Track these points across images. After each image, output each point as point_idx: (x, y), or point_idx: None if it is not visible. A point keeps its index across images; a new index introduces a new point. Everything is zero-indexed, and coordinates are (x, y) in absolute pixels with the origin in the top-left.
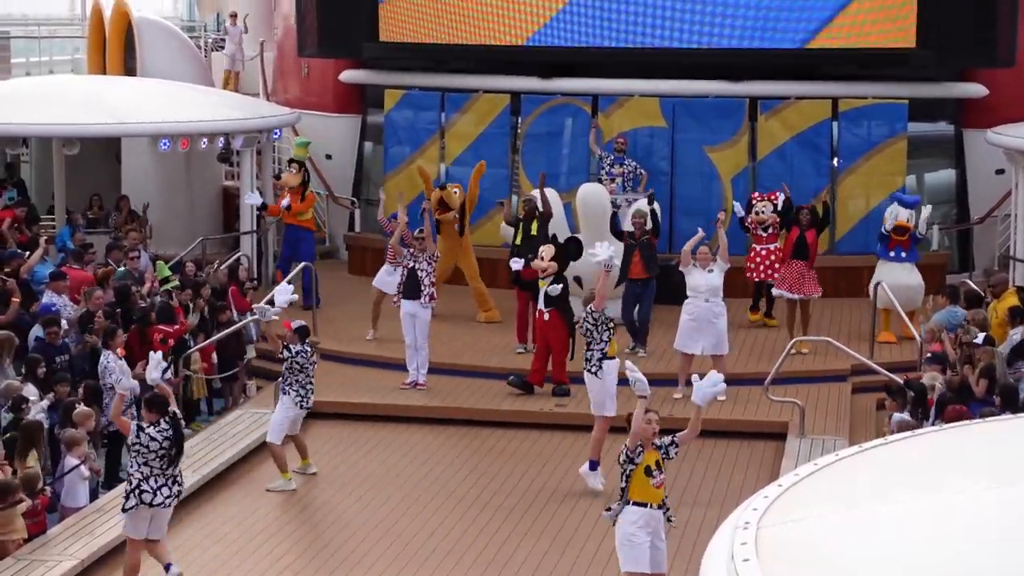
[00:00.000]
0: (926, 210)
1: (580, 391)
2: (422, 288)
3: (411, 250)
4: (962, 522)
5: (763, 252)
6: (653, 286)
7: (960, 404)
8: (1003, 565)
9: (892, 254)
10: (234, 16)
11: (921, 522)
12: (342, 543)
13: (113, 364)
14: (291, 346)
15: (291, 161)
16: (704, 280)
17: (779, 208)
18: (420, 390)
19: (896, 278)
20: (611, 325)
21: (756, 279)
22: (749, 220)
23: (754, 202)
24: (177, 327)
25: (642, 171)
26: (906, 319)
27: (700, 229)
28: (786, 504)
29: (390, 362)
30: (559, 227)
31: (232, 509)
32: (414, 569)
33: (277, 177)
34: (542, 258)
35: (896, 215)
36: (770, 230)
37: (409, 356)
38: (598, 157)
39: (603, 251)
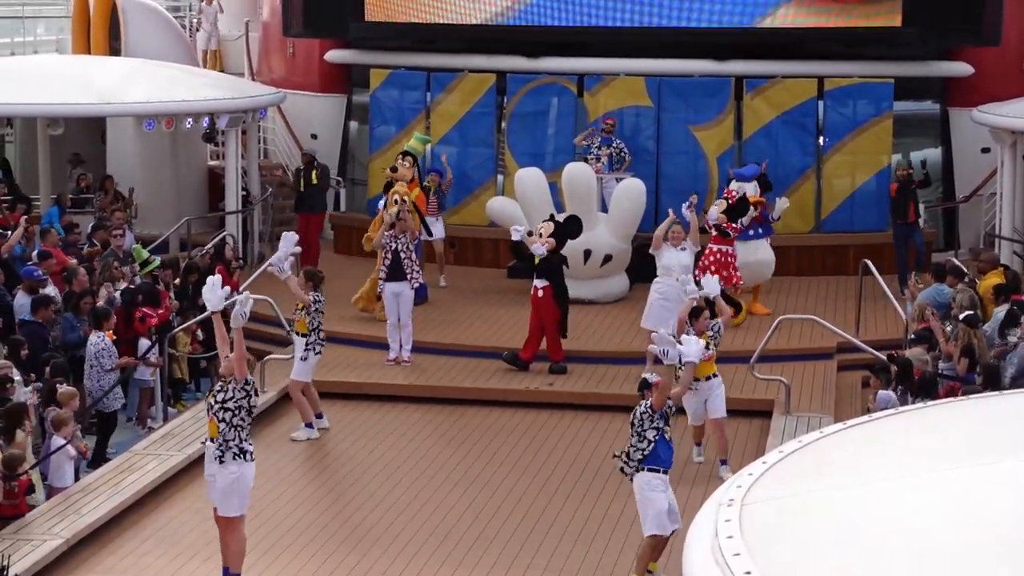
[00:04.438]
0: (782, 201)
1: (575, 369)
2: (406, 270)
3: (391, 232)
4: (944, 498)
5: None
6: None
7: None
8: (984, 540)
9: (751, 232)
10: None
11: (904, 498)
12: (327, 522)
13: (104, 346)
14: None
15: (404, 154)
16: (676, 259)
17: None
18: (405, 367)
19: (748, 254)
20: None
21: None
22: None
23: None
24: (162, 310)
25: (627, 154)
26: (891, 297)
27: (671, 210)
28: (770, 481)
29: (376, 341)
30: (544, 207)
31: None
32: (399, 547)
33: (394, 169)
34: (540, 234)
35: (744, 192)
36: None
37: (391, 334)
38: (585, 146)
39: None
